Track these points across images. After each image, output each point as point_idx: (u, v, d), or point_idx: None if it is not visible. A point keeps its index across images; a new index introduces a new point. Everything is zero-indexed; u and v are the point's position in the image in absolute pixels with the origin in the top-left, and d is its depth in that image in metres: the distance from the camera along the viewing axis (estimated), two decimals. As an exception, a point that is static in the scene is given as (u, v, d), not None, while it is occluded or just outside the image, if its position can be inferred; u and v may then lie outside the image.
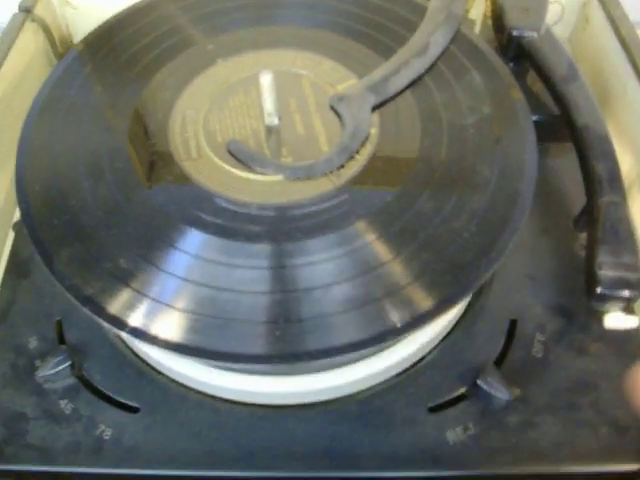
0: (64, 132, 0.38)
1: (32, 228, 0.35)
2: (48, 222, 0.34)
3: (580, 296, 0.39)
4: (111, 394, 0.37)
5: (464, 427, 0.35)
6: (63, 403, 0.36)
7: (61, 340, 0.39)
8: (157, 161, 0.37)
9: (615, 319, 0.36)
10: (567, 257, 0.41)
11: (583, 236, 0.42)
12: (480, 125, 0.37)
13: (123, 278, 0.32)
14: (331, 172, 0.35)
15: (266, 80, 0.34)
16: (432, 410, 0.36)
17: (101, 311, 0.31)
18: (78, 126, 0.39)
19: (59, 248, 0.34)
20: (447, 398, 0.36)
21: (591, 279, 0.36)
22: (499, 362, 0.37)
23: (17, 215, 0.45)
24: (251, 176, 0.35)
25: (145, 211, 0.34)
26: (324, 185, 0.35)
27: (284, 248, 0.33)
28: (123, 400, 0.36)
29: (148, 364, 0.38)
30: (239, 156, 0.36)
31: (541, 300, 0.39)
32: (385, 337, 0.30)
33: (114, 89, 0.40)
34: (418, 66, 0.39)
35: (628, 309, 0.36)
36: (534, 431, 0.35)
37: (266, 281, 0.32)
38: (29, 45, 0.50)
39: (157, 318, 0.31)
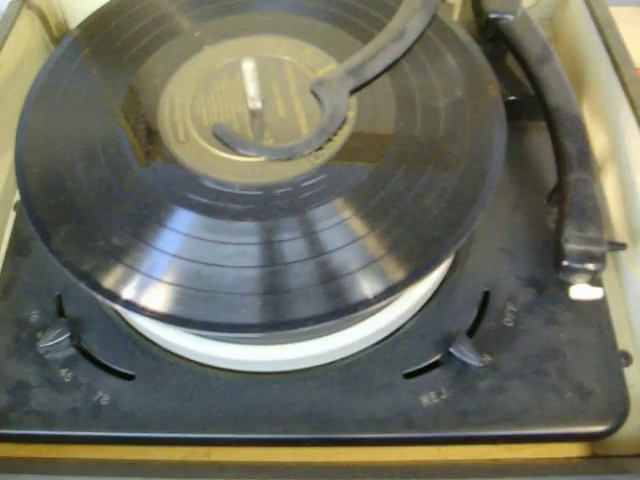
0: (60, 117, 0.40)
1: (30, 209, 0.37)
2: (45, 203, 0.37)
3: (551, 268, 0.41)
4: (108, 363, 0.39)
5: (437, 392, 0.38)
6: (63, 372, 0.39)
7: (61, 314, 0.41)
8: (147, 144, 0.38)
9: (581, 290, 0.38)
10: (540, 231, 0.43)
11: (556, 211, 0.43)
12: (452, 107, 0.39)
13: (115, 255, 0.35)
14: (310, 153, 0.37)
15: (248, 67, 0.36)
16: (408, 376, 0.38)
17: (96, 286, 0.34)
18: (73, 111, 0.40)
19: (56, 227, 0.36)
20: (422, 365, 0.38)
21: (558, 252, 0.38)
22: (472, 331, 0.39)
23: (18, 196, 0.48)
24: (235, 157, 0.37)
25: (136, 191, 0.36)
26: (303, 166, 0.37)
27: (266, 225, 0.35)
28: (119, 368, 0.39)
29: (142, 335, 0.40)
30: (224, 139, 0.37)
31: (513, 272, 0.41)
32: (358, 308, 0.33)
33: (107, 75, 0.42)
34: (395, 50, 0.40)
35: (594, 281, 0.38)
36: (503, 395, 0.38)
37: (249, 256, 0.34)
38: (26, 32, 0.52)
39: (147, 291, 0.34)
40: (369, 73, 0.40)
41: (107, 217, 0.36)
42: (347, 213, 0.35)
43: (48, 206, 0.37)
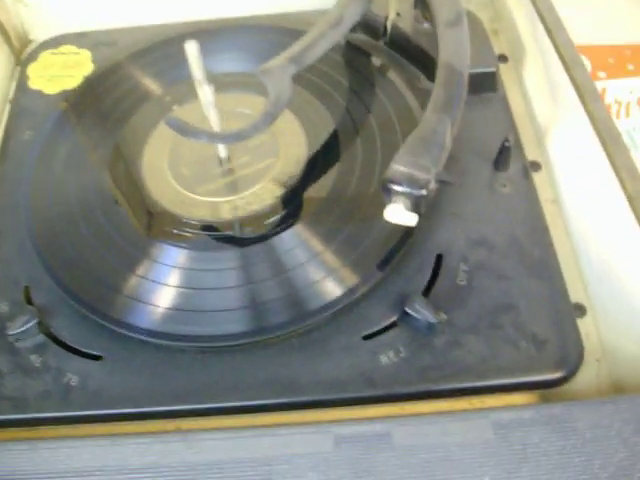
0: (58, 178, 0.48)
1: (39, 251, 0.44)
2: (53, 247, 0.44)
3: (501, 229, 0.43)
4: (76, 346, 0.40)
5: (396, 351, 0.39)
6: (33, 357, 0.40)
7: (29, 303, 0.42)
8: (134, 195, 0.46)
9: (395, 212, 0.38)
10: (488, 195, 0.45)
11: (502, 175, 0.45)
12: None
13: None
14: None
15: (191, 48, 0.38)
16: (366, 338, 0.39)
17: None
18: (69, 171, 0.48)
19: (64, 268, 0.42)
20: (380, 326, 0.40)
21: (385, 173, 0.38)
22: (427, 292, 0.41)
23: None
24: (209, 199, 0.45)
25: (127, 234, 0.44)
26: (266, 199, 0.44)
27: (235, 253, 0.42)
28: (87, 350, 0.40)
29: (108, 317, 0.41)
30: (176, 129, 0.39)
31: (465, 234, 0.43)
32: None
33: (94, 140, 0.50)
34: (333, 37, 0.42)
35: (415, 208, 0.38)
36: (460, 350, 0.39)
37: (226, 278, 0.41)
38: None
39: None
40: (309, 59, 0.42)
41: (103, 258, 0.43)
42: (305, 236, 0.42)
43: (56, 248, 0.44)
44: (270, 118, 0.38)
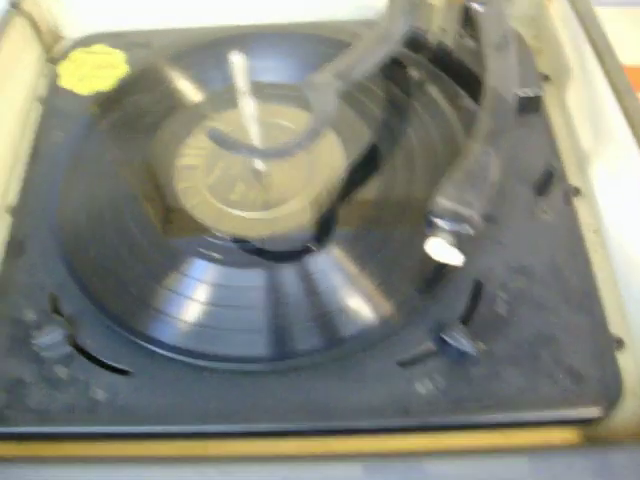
0: (89, 185, 0.46)
1: (68, 259, 0.43)
2: (81, 255, 0.43)
3: (541, 257, 0.42)
4: (103, 359, 0.39)
5: (432, 379, 0.38)
6: (59, 369, 0.39)
7: (56, 312, 0.41)
8: (166, 206, 0.45)
9: (437, 246, 0.37)
10: (528, 221, 0.44)
11: (544, 201, 0.44)
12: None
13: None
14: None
15: (237, 60, 0.37)
16: (403, 365, 0.38)
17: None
18: (99, 180, 0.47)
19: (92, 277, 0.41)
20: (417, 354, 0.39)
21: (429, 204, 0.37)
22: (465, 320, 0.40)
23: (13, 201, 0.48)
24: (241, 213, 0.44)
25: (158, 246, 0.43)
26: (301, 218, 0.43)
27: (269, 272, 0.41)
28: (115, 364, 0.39)
29: (138, 332, 0.40)
30: (216, 141, 0.38)
31: (504, 261, 0.42)
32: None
33: (126, 146, 0.49)
34: (380, 53, 0.41)
35: (460, 245, 0.37)
36: (498, 381, 0.38)
37: (255, 299, 0.40)
38: (18, 39, 0.53)
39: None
40: (356, 75, 0.41)
41: (132, 269, 0.42)
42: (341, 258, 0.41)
43: (86, 259, 0.43)
44: (314, 136, 0.37)
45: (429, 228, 0.37)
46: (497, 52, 0.42)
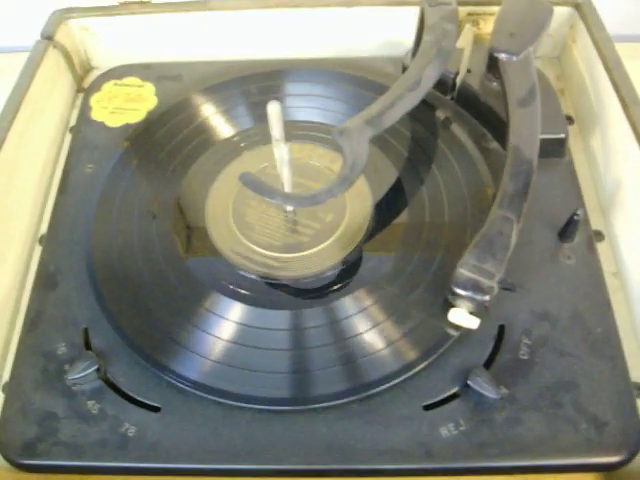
0: (120, 220, 0.47)
1: (100, 294, 0.44)
2: (112, 290, 0.44)
3: (564, 303, 0.42)
4: (134, 395, 0.40)
5: (456, 423, 0.39)
6: (90, 404, 0.40)
7: (87, 346, 0.42)
8: (196, 243, 0.46)
9: (459, 315, 0.40)
10: (553, 267, 0.44)
11: (567, 246, 0.45)
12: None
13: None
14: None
15: (274, 109, 0.38)
16: (427, 408, 0.39)
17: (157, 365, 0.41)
18: (130, 214, 0.48)
19: (123, 313, 0.42)
20: (440, 397, 0.39)
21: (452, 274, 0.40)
22: (488, 364, 0.41)
23: (43, 230, 0.49)
24: (270, 253, 0.45)
25: (188, 283, 0.44)
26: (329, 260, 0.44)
27: (297, 314, 0.42)
28: (145, 400, 0.40)
29: (168, 369, 0.41)
30: (249, 186, 0.39)
31: (528, 307, 0.43)
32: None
33: (157, 180, 0.49)
34: (411, 99, 0.42)
35: (479, 310, 0.40)
36: (520, 427, 0.39)
37: (283, 340, 0.41)
38: (51, 69, 0.54)
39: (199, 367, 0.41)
40: (387, 122, 0.42)
41: (164, 305, 0.43)
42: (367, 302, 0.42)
43: (115, 295, 0.44)
44: (347, 183, 0.38)
45: (451, 296, 0.40)
46: (521, 108, 0.43)
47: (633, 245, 0.45)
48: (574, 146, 0.51)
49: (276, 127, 0.38)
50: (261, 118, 0.48)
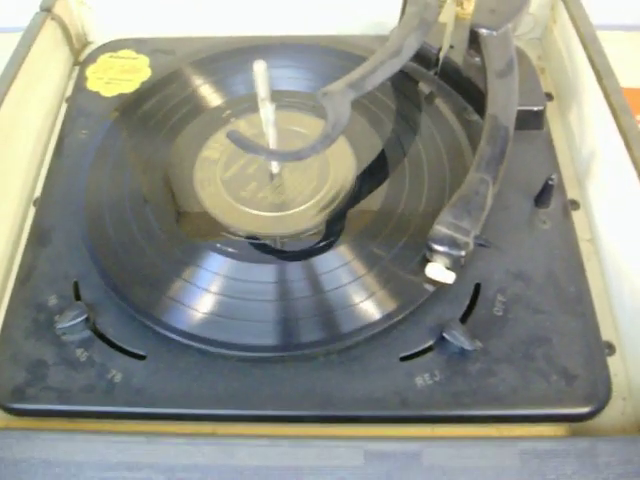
0: (111, 181, 0.49)
1: (91, 249, 0.45)
2: (103, 245, 0.45)
3: (538, 264, 0.44)
4: (121, 344, 0.42)
5: (431, 374, 0.40)
6: (79, 352, 0.41)
7: (78, 298, 0.44)
8: (185, 202, 0.48)
9: (435, 269, 0.42)
10: (527, 230, 0.46)
11: (543, 212, 0.46)
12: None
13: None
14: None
15: (259, 68, 0.39)
16: (403, 359, 0.41)
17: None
18: (121, 175, 0.50)
19: (112, 266, 0.44)
20: (417, 349, 0.41)
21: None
22: (464, 319, 0.42)
23: (37, 193, 0.51)
24: (257, 212, 0.46)
25: (176, 239, 0.45)
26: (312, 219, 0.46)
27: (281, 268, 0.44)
28: (131, 349, 0.41)
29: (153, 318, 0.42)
30: (235, 141, 0.41)
31: (503, 267, 0.44)
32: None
33: (149, 145, 0.51)
34: (392, 66, 0.44)
35: (455, 265, 0.41)
36: (493, 378, 0.40)
37: (267, 292, 0.43)
38: (49, 41, 0.56)
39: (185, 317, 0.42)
40: (368, 86, 0.43)
41: (151, 260, 0.45)
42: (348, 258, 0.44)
43: (105, 249, 0.45)
44: (328, 140, 0.40)
45: (429, 252, 0.41)
46: (499, 79, 0.45)
47: (606, 213, 0.47)
48: (553, 122, 0.53)
49: (262, 86, 0.40)
50: (250, 88, 0.49)
